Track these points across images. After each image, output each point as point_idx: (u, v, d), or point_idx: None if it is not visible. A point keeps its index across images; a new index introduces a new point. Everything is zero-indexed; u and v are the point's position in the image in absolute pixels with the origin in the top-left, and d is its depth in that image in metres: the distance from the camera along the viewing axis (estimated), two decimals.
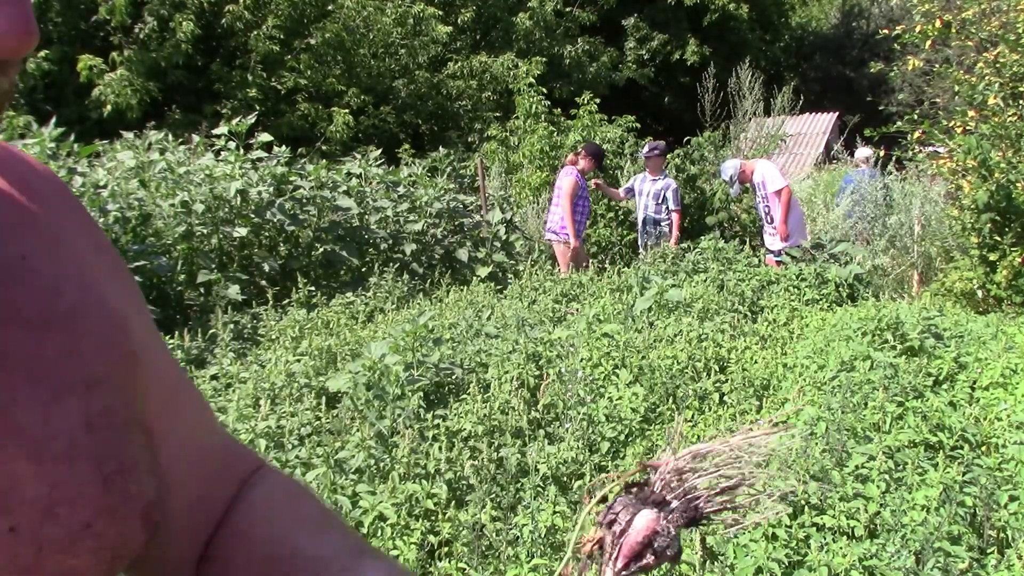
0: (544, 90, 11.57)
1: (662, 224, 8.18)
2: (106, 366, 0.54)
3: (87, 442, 0.51)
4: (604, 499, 0.45)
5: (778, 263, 7.15)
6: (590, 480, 3.16)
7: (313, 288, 6.59)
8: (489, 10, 20.84)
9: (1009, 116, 6.59)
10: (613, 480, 0.45)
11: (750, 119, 11.36)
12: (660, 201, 8.17)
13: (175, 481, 0.61)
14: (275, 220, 7.30)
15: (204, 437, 0.69)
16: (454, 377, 4.16)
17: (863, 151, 9.91)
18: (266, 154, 7.90)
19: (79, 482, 0.50)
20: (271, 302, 5.98)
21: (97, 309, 0.55)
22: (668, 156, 10.03)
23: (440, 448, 3.31)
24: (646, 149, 8.47)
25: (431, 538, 2.85)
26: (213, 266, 6.71)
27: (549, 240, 8.12)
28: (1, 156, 0.58)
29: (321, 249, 7.58)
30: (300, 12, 16.75)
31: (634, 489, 0.44)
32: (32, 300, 0.51)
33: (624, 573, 0.42)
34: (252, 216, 7.14)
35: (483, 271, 8.11)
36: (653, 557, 0.42)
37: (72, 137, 7.59)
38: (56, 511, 0.49)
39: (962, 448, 3.07)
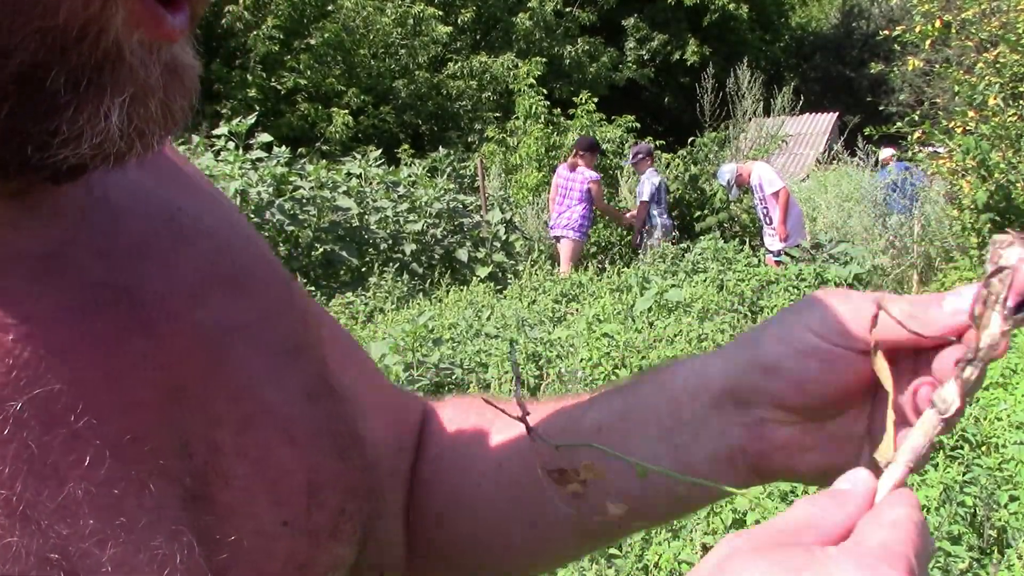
0: (544, 91, 11.58)
1: (652, 219, 8.19)
2: (297, 328, 0.49)
3: (317, 415, 0.46)
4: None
5: (778, 263, 7.15)
6: None
7: (313, 288, 6.59)
8: (489, 10, 20.84)
9: (1009, 116, 6.59)
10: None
11: (750, 119, 11.37)
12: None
13: (369, 437, 0.54)
14: (275, 220, 7.30)
15: (380, 390, 0.62)
16: (454, 377, 4.16)
17: (887, 151, 9.97)
18: (266, 154, 7.90)
19: (327, 460, 0.46)
20: None
21: (263, 265, 0.49)
22: (669, 156, 10.06)
23: None
24: (631, 157, 8.48)
25: None
26: None
27: (558, 237, 8.09)
28: None
29: (321, 249, 7.58)
30: (300, 12, 16.76)
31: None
32: (213, 257, 0.46)
33: (1016, 314, 0.37)
34: (252, 216, 7.13)
35: (483, 271, 8.11)
36: None
37: None
38: (319, 497, 0.44)
39: (962, 448, 3.07)
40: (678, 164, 9.81)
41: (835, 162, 14.47)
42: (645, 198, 8.15)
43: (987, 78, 6.80)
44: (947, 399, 0.38)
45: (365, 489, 0.49)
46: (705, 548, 2.50)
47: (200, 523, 0.39)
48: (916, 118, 7.53)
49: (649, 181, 8.13)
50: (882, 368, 0.42)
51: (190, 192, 0.49)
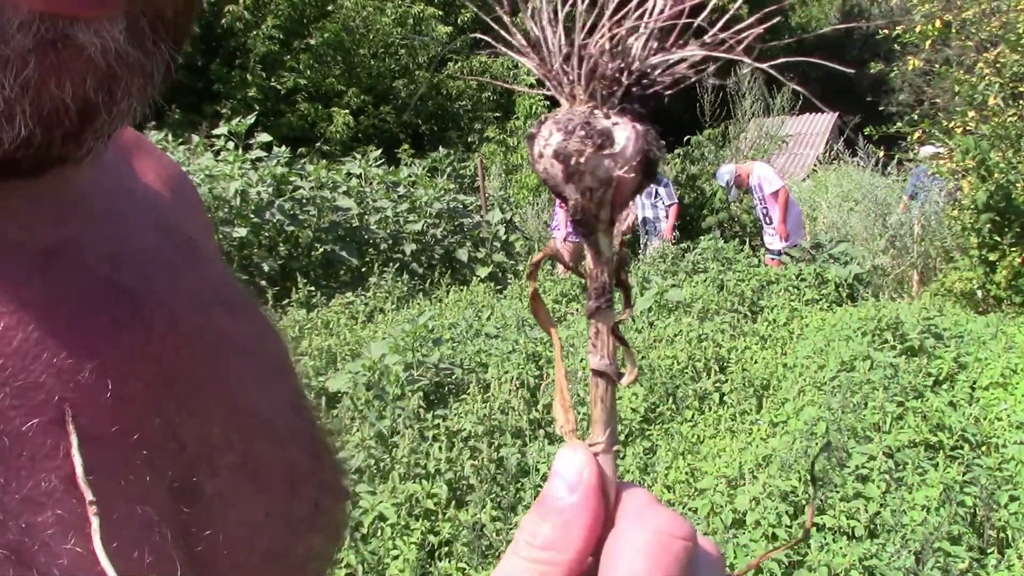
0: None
1: (659, 221, 8.19)
2: (283, 353, 0.53)
3: (297, 421, 0.50)
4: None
5: (778, 263, 7.15)
6: None
7: (313, 288, 6.59)
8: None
9: (1009, 116, 6.59)
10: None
11: (750, 119, 11.37)
12: (654, 197, 8.22)
13: None
14: (275, 220, 7.29)
15: None
16: (454, 377, 4.16)
17: (928, 148, 9.80)
18: (266, 154, 7.90)
19: (303, 458, 0.48)
20: (271, 302, 5.98)
21: (253, 299, 0.54)
22: (669, 156, 10.06)
23: (440, 448, 3.30)
24: None
25: (431, 538, 2.85)
26: None
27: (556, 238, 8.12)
28: (143, 145, 0.57)
29: (321, 249, 7.58)
30: (300, 12, 16.75)
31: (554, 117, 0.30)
32: (217, 282, 0.50)
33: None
34: (252, 216, 7.13)
35: (483, 271, 8.11)
36: (646, 177, 0.30)
37: None
38: (298, 491, 0.47)
39: (962, 448, 3.07)
40: (676, 164, 9.81)
41: (836, 162, 14.46)
42: (675, 200, 8.20)
43: (987, 78, 6.80)
44: (599, 354, 0.32)
45: (339, 488, 0.52)
46: None
47: (182, 514, 0.39)
48: (916, 118, 7.53)
49: (662, 183, 8.17)
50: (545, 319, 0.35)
51: (202, 228, 0.54)
